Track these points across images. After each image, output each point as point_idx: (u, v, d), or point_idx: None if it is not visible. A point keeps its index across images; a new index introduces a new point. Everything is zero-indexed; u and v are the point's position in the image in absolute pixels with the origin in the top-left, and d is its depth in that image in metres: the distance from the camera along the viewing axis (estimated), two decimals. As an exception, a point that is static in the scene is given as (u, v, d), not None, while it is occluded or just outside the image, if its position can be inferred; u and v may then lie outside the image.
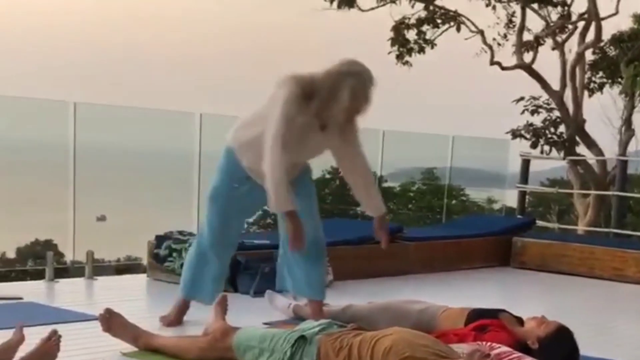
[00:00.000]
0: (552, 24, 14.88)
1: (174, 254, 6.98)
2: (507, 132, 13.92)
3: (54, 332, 4.02)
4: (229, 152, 5.10)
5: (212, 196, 5.23)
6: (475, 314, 4.92)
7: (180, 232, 7.35)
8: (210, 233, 5.24)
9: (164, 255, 7.05)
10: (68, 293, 6.56)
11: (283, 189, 4.71)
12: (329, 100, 4.69)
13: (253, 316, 5.38)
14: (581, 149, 14.60)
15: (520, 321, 4.79)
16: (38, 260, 11.25)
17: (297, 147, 4.81)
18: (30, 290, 6.38)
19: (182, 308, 5.36)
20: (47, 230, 12.50)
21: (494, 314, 4.84)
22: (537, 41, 15.03)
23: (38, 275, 7.74)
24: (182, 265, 6.86)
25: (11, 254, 15.50)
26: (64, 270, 8.78)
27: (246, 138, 4.97)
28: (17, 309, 5.70)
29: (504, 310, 4.88)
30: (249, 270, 6.70)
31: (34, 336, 4.04)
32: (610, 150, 15.11)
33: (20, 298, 6.06)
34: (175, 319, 5.29)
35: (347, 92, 4.65)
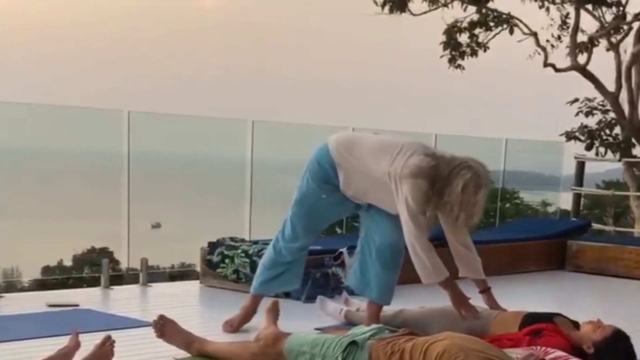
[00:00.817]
0: (606, 25, 14.68)
1: (226, 260, 7.01)
2: (562, 134, 13.76)
3: (108, 338, 4.07)
4: (328, 163, 5.10)
5: (300, 201, 5.23)
6: (530, 318, 4.86)
7: (232, 239, 7.40)
8: (291, 235, 5.27)
9: (216, 261, 7.09)
10: (123, 300, 6.63)
11: (432, 260, 4.83)
12: (443, 189, 4.73)
13: (304, 322, 5.38)
14: (637, 150, 14.39)
15: (575, 325, 4.72)
16: (94, 267, 11.39)
17: None
18: (86, 297, 6.47)
19: (250, 311, 5.38)
20: (103, 238, 12.66)
21: (548, 318, 4.77)
22: (592, 42, 14.84)
23: (94, 282, 7.85)
24: (234, 271, 6.93)
25: (68, 262, 15.72)
26: (119, 277, 8.87)
27: (354, 168, 5.02)
28: (73, 316, 5.78)
29: (559, 314, 4.81)
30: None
31: (89, 342, 4.10)
32: (668, 152, 14.86)
33: (77, 305, 6.15)
34: (238, 325, 5.31)
35: (461, 183, 4.68)
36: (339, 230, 11.16)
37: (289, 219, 5.30)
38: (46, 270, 14.04)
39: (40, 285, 11.37)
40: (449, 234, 5.19)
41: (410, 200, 4.75)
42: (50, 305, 6.08)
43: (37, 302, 6.21)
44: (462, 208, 4.74)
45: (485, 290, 5.32)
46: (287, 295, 6.61)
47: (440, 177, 4.74)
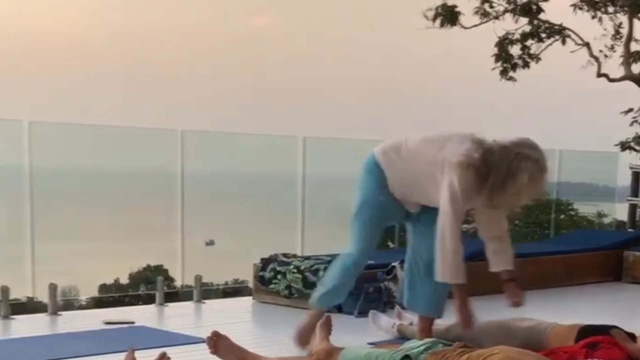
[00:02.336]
0: (660, 34, 14.51)
1: (279, 276, 7.05)
2: (616, 145, 13.61)
3: (163, 355, 4.11)
4: (377, 169, 5.08)
5: (361, 209, 5.16)
6: (586, 331, 4.81)
7: (285, 255, 7.44)
8: (359, 246, 5.19)
9: (269, 277, 7.13)
10: (177, 317, 6.70)
11: (455, 260, 4.78)
12: (504, 182, 4.67)
13: (357, 336, 5.39)
14: (695, 159, 14.16)
15: (632, 338, 4.66)
16: (149, 285, 11.50)
17: None
18: (141, 315, 6.55)
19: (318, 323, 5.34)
20: (158, 256, 12.78)
21: (605, 330, 4.72)
22: (646, 52, 14.67)
23: (149, 299, 7.92)
24: (286, 287, 6.95)
25: (124, 280, 15.92)
26: (174, 295, 8.95)
27: (400, 167, 5.02)
28: (129, 333, 5.86)
29: (615, 327, 4.75)
30: (353, 291, 6.67)
31: (145, 359, 4.14)
32: None
33: (132, 322, 6.22)
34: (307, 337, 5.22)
35: (527, 175, 4.63)
36: (391, 245, 11.13)
37: (354, 232, 5.21)
38: (103, 288, 14.22)
39: (97, 303, 11.50)
40: (485, 227, 5.07)
41: (459, 189, 4.68)
42: (107, 323, 6.17)
43: (94, 319, 6.31)
44: (528, 195, 4.75)
45: (510, 280, 5.13)
46: (339, 309, 6.62)
47: (496, 169, 4.66)
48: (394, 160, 5.03)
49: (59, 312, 6.62)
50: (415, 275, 5.22)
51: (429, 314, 5.24)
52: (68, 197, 10.33)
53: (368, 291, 6.65)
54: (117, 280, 15.80)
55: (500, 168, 4.66)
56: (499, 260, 5.09)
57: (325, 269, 6.84)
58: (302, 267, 6.95)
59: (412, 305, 5.32)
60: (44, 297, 6.95)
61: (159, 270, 12.12)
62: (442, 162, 4.77)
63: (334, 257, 7.36)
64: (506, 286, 5.10)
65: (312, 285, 6.80)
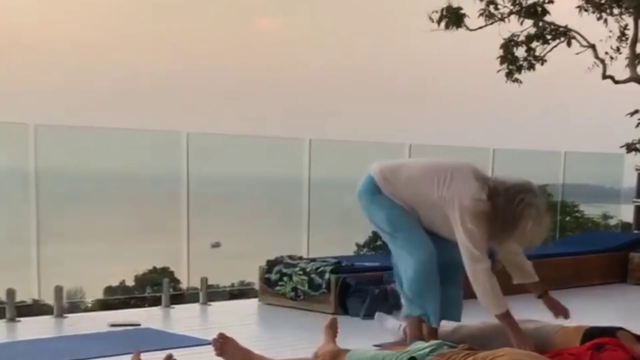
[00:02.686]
0: (666, 35, 14.47)
1: (285, 278, 7.05)
2: (622, 146, 13.56)
3: (169, 357, 4.12)
4: (378, 191, 5.15)
5: (390, 224, 5.17)
6: (592, 333, 4.81)
7: (290, 257, 7.44)
8: (420, 247, 5.15)
9: (275, 279, 7.13)
10: (183, 319, 6.70)
11: (494, 290, 4.89)
12: (508, 227, 4.83)
13: (363, 338, 5.39)
14: (701, 160, 14.12)
15: (639, 340, 4.65)
16: (155, 287, 11.51)
17: None
18: (147, 317, 6.56)
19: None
20: (163, 258, 12.80)
21: (611, 332, 4.72)
22: (651, 53, 14.63)
23: (155, 301, 7.93)
24: (292, 289, 6.96)
25: (130, 282, 15.92)
26: (180, 297, 8.97)
27: (401, 195, 5.11)
28: (135, 335, 5.87)
29: (621, 328, 4.75)
30: (359, 293, 6.72)
31: (150, 361, 4.15)
32: None
33: (138, 324, 6.23)
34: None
35: (531, 222, 4.79)
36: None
37: (404, 246, 5.18)
38: (109, 290, 14.24)
39: (103, 305, 11.52)
40: (504, 250, 5.21)
41: (477, 232, 4.84)
42: (113, 325, 6.17)
43: (99, 322, 6.32)
44: (529, 239, 4.90)
45: (544, 294, 5.30)
46: (345, 311, 6.63)
47: (502, 214, 4.81)
48: (394, 184, 5.13)
49: (65, 315, 6.63)
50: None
51: (450, 319, 5.26)
52: (73, 199, 10.35)
53: (374, 293, 6.65)
54: (122, 283, 15.81)
55: (507, 213, 4.80)
56: (521, 274, 5.26)
57: (331, 270, 6.86)
58: (308, 269, 6.96)
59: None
60: (49, 299, 6.96)
61: (165, 272, 12.15)
62: (451, 201, 4.91)
63: (340, 258, 7.40)
64: (545, 300, 5.30)
65: (318, 287, 6.82)
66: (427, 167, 5.11)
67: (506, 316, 4.93)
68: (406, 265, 5.15)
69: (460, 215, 4.86)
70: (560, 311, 5.29)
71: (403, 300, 5.29)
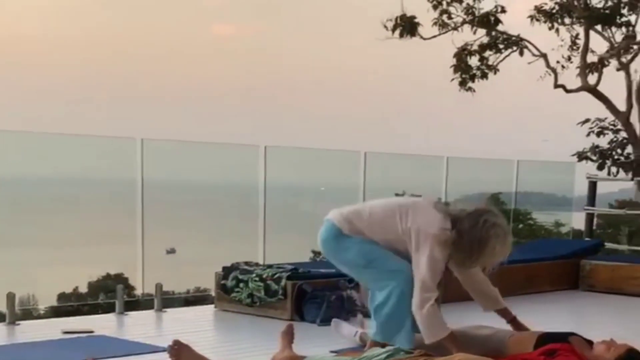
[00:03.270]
0: (616, 45, 14.70)
1: (241, 285, 7.05)
2: (573, 155, 13.77)
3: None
4: (341, 233, 5.16)
5: (363, 257, 5.13)
6: (545, 338, 4.86)
7: (247, 263, 7.44)
8: (400, 273, 5.09)
9: (231, 286, 7.13)
10: (137, 325, 6.67)
11: (435, 324, 4.90)
12: (475, 250, 4.94)
13: (320, 344, 5.41)
14: (650, 169, 14.35)
15: (590, 345, 4.72)
16: (109, 293, 11.42)
17: None
18: (101, 324, 6.51)
19: None
20: (118, 264, 12.72)
21: (563, 337, 4.78)
22: (602, 62, 14.85)
23: (110, 308, 7.88)
24: (249, 295, 6.95)
25: (83, 289, 15.77)
26: (135, 303, 8.91)
27: (366, 234, 5.13)
28: (88, 342, 5.83)
29: (573, 334, 4.82)
30: (316, 299, 6.74)
31: (105, 368, 4.13)
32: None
33: (91, 331, 6.18)
34: None
35: (496, 243, 4.92)
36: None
37: (379, 274, 5.12)
38: (62, 297, 14.10)
39: (55, 312, 11.40)
40: (463, 275, 5.31)
41: (438, 261, 4.91)
42: (66, 332, 6.12)
43: (52, 329, 6.26)
44: (497, 258, 5.02)
45: (513, 320, 5.40)
46: (302, 318, 6.65)
47: (468, 238, 4.91)
48: (358, 226, 5.14)
49: (17, 322, 6.57)
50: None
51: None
52: (26, 205, 10.26)
53: (330, 299, 6.68)
54: (76, 289, 15.66)
55: (473, 237, 4.92)
56: (490, 303, 5.39)
57: (287, 277, 6.87)
58: (265, 276, 6.96)
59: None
60: (1, 306, 6.88)
61: (119, 278, 12.05)
62: (416, 232, 4.97)
63: (296, 265, 7.42)
64: (513, 325, 5.36)
65: (274, 294, 6.83)
66: (387, 205, 5.19)
67: (448, 339, 4.93)
68: (388, 291, 5.08)
69: (425, 244, 4.93)
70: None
71: (375, 325, 5.20)
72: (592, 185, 11.74)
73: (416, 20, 14.36)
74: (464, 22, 14.62)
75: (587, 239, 11.37)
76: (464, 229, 4.93)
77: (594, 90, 14.66)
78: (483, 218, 4.94)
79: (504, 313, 5.43)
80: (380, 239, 5.10)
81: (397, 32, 14.32)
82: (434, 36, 14.76)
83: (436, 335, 4.90)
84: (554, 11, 14.82)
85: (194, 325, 6.63)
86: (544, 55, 14.95)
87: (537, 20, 14.84)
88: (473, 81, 14.98)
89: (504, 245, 4.98)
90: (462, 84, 14.97)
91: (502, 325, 5.32)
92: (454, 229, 4.94)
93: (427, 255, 4.91)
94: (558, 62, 15.10)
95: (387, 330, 5.06)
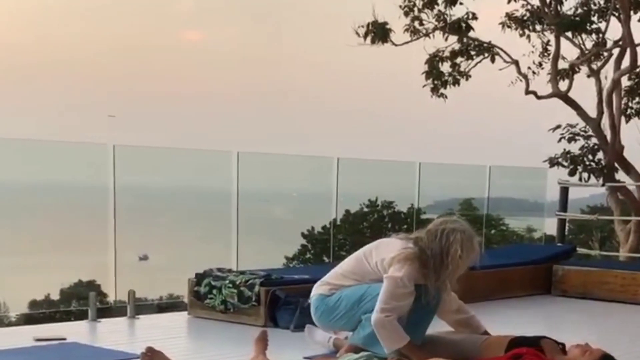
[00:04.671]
0: (587, 52, 14.81)
1: (214, 291, 7.02)
2: (545, 161, 13.85)
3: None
4: (327, 297, 5.24)
5: (355, 294, 5.17)
6: (517, 342, 4.90)
7: (220, 269, 7.41)
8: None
9: (204, 292, 7.10)
10: (110, 332, 6.62)
11: (389, 328, 4.88)
12: (442, 259, 4.96)
13: (294, 350, 5.41)
14: (620, 175, 14.48)
15: (563, 348, 4.76)
16: (81, 300, 11.35)
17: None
18: (73, 331, 6.46)
19: None
20: (90, 271, 12.65)
21: (534, 341, 4.81)
22: (573, 69, 14.95)
23: (82, 315, 7.82)
24: (222, 301, 6.93)
25: (55, 296, 15.66)
26: (107, 310, 8.86)
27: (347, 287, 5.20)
28: (60, 350, 5.78)
29: (545, 337, 4.85)
30: (289, 305, 6.72)
31: (77, 375, 4.10)
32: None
33: (64, 339, 6.14)
34: None
35: (459, 247, 4.94)
36: (326, 259, 11.19)
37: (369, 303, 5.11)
38: (33, 304, 14.00)
39: (27, 319, 11.31)
40: (444, 312, 5.32)
41: (406, 280, 4.90)
42: (37, 340, 6.07)
43: (24, 336, 6.20)
44: (466, 263, 5.03)
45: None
46: (275, 324, 6.64)
47: (432, 252, 4.96)
48: (336, 283, 5.24)
49: (-11, 329, 6.51)
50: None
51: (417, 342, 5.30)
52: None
53: (304, 305, 6.66)
54: (48, 296, 15.55)
55: (435, 249, 4.97)
56: (471, 330, 5.38)
57: (260, 283, 6.87)
58: (238, 282, 6.94)
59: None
60: (-28, 314, 6.82)
61: (92, 285, 12.00)
62: (382, 262, 5.04)
63: (269, 271, 7.41)
64: None
65: (247, 300, 6.81)
66: (354, 256, 5.31)
67: (407, 348, 4.92)
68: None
69: (390, 266, 4.97)
70: None
71: (358, 329, 5.20)
72: (564, 191, 11.82)
73: (388, 26, 14.39)
74: (435, 29, 14.67)
75: (559, 244, 11.45)
76: (425, 243, 4.99)
77: (565, 97, 14.76)
78: (441, 228, 5.00)
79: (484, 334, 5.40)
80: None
81: (369, 38, 14.35)
82: (406, 42, 14.81)
83: (394, 343, 4.90)
84: (525, 18, 14.91)
85: (167, 332, 6.60)
86: (515, 62, 15.04)
87: (509, 27, 14.94)
88: (445, 88, 15.03)
89: (470, 248, 5.00)
90: (434, 90, 15.01)
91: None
92: (416, 246, 5.00)
93: (390, 277, 4.94)
94: (529, 68, 15.20)
95: (370, 337, 5.05)
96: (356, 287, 5.16)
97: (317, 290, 5.34)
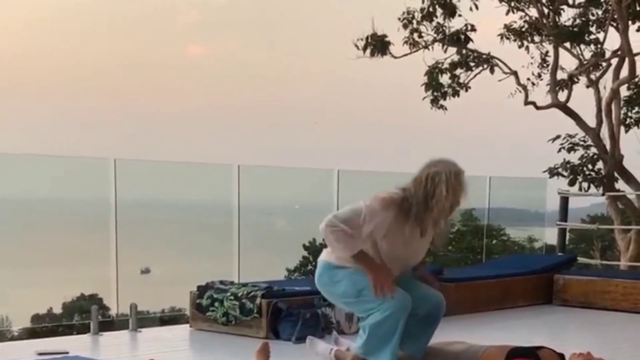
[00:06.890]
0: (585, 62, 14.86)
1: (216, 304, 7.05)
2: (545, 171, 13.87)
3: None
4: (334, 267, 5.19)
5: (356, 283, 5.09)
6: (515, 353, 4.91)
7: (222, 282, 7.44)
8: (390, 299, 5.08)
9: (206, 305, 7.12)
10: (112, 346, 6.65)
11: (330, 240, 4.94)
12: (427, 203, 4.90)
13: (295, 362, 5.42)
14: (620, 184, 14.50)
15: (562, 358, 4.77)
16: (84, 314, 11.37)
17: (405, 259, 5.10)
18: (75, 344, 6.48)
19: None
20: (92, 285, 12.66)
21: (532, 351, 4.83)
22: (571, 79, 14.99)
23: (84, 329, 7.83)
24: (224, 314, 6.95)
25: (58, 309, 15.68)
26: (109, 324, 8.87)
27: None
28: (63, 363, 5.80)
29: (543, 347, 4.87)
30: (291, 317, 6.75)
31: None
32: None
33: (66, 352, 6.16)
34: None
35: (444, 187, 4.87)
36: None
37: (370, 302, 5.09)
38: (36, 318, 13.99)
39: (30, 333, 11.31)
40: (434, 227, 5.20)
41: (368, 214, 4.87)
42: (40, 354, 6.09)
43: (26, 350, 6.23)
44: (455, 202, 4.96)
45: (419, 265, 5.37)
46: (277, 336, 6.66)
47: (415, 197, 4.90)
48: (345, 257, 5.12)
49: (-9, 343, 6.53)
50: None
51: (414, 354, 5.29)
52: (-1, 226, 10.22)
53: (305, 317, 6.70)
54: (50, 310, 15.55)
55: (418, 194, 4.90)
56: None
57: (262, 295, 6.89)
58: (239, 294, 6.97)
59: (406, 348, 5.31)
60: (-25, 328, 6.85)
61: (94, 299, 12.01)
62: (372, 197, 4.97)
63: (270, 283, 7.43)
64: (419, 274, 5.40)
65: (249, 312, 6.84)
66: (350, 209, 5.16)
67: (357, 257, 4.96)
68: (377, 310, 5.04)
69: (371, 203, 4.91)
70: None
71: (360, 339, 5.17)
72: (564, 201, 11.85)
73: (387, 39, 14.45)
74: (434, 41, 14.72)
75: (560, 253, 11.47)
76: (410, 192, 4.93)
77: (564, 107, 14.81)
78: (425, 173, 4.93)
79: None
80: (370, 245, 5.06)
81: (368, 51, 14.40)
82: (405, 55, 14.86)
83: (342, 250, 4.94)
84: (524, 29, 14.98)
85: (169, 344, 6.62)
86: (514, 73, 15.08)
87: (507, 38, 15.00)
88: (445, 99, 15.07)
89: (457, 185, 4.91)
90: (434, 102, 15.05)
91: (475, 341, 5.35)
92: (404, 194, 4.94)
93: (367, 209, 4.88)
94: (528, 79, 15.25)
95: (372, 346, 5.05)
96: (359, 277, 5.04)
97: (323, 255, 5.27)
